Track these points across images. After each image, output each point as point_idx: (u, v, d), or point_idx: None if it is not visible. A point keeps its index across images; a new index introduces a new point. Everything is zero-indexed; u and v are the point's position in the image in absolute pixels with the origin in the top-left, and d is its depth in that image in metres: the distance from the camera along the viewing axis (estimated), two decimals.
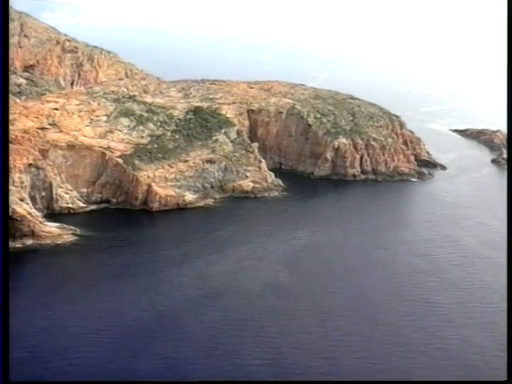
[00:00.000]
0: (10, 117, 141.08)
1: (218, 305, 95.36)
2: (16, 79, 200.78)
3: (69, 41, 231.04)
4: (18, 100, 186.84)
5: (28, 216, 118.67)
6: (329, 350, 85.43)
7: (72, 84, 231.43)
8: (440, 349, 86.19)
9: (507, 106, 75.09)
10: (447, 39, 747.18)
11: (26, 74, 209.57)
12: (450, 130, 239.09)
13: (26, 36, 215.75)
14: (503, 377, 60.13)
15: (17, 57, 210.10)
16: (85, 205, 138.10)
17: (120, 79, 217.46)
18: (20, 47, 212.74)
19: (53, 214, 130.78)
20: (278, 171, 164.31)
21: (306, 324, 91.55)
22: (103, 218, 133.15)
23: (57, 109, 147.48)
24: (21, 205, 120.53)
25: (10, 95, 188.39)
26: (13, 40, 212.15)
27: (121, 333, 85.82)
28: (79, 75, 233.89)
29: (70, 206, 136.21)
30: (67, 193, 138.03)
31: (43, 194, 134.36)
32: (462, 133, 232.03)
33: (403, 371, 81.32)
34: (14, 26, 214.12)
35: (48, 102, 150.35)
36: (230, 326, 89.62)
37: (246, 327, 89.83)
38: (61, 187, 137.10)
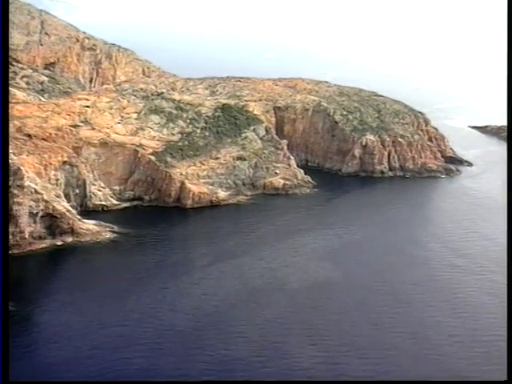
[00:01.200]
0: (43, 114, 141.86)
1: (264, 302, 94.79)
2: (38, 77, 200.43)
3: (88, 38, 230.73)
4: (42, 98, 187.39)
5: (67, 213, 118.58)
6: (382, 348, 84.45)
7: (90, 81, 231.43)
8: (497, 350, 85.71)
9: (507, 104, 74.30)
10: (452, 36, 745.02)
11: (46, 72, 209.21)
12: (469, 126, 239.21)
13: (46, 34, 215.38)
14: (503, 377, 59.62)
15: (38, 54, 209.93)
16: (117, 202, 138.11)
17: (147, 76, 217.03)
18: (41, 45, 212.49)
19: (86, 212, 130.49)
20: (304, 168, 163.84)
21: (355, 321, 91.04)
22: (137, 215, 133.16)
23: (88, 106, 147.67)
24: (59, 202, 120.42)
25: (34, 93, 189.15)
26: (34, 37, 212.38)
27: (174, 330, 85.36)
28: (97, 73, 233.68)
29: (103, 203, 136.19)
30: (100, 190, 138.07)
31: (77, 191, 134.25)
32: (482, 129, 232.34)
33: (457, 370, 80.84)
34: (35, 24, 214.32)
35: (79, 99, 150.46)
36: (278, 324, 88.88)
37: (296, 325, 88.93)
38: (94, 184, 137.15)
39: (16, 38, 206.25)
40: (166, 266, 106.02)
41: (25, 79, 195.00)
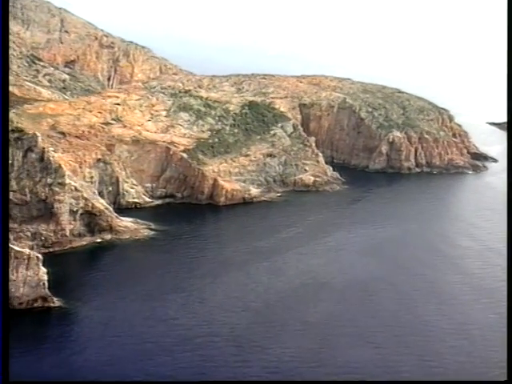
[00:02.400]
0: (75, 112, 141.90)
1: (313, 299, 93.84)
2: (60, 75, 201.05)
3: (106, 36, 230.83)
4: (65, 96, 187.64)
5: (106, 211, 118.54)
6: (435, 348, 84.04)
7: (108, 79, 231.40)
8: None
9: (507, 104, 74.10)
10: (461, 32, 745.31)
11: (67, 70, 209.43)
12: (487, 123, 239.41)
13: (66, 31, 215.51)
14: (503, 377, 59.64)
15: (58, 52, 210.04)
16: (150, 200, 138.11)
17: (175, 74, 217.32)
18: (61, 43, 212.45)
19: (119, 209, 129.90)
20: (330, 165, 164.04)
21: (404, 319, 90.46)
22: (171, 212, 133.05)
23: (118, 104, 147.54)
24: (98, 199, 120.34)
25: (56, 91, 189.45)
26: (54, 35, 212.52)
27: (228, 328, 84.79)
28: (115, 70, 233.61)
29: (136, 200, 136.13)
30: (132, 188, 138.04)
31: (110, 188, 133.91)
32: (501, 126, 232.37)
33: None
34: (55, 22, 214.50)
35: (109, 97, 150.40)
36: (331, 322, 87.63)
37: (348, 323, 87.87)
38: (126, 182, 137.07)
39: (37, 35, 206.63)
40: (208, 263, 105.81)
41: (47, 77, 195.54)
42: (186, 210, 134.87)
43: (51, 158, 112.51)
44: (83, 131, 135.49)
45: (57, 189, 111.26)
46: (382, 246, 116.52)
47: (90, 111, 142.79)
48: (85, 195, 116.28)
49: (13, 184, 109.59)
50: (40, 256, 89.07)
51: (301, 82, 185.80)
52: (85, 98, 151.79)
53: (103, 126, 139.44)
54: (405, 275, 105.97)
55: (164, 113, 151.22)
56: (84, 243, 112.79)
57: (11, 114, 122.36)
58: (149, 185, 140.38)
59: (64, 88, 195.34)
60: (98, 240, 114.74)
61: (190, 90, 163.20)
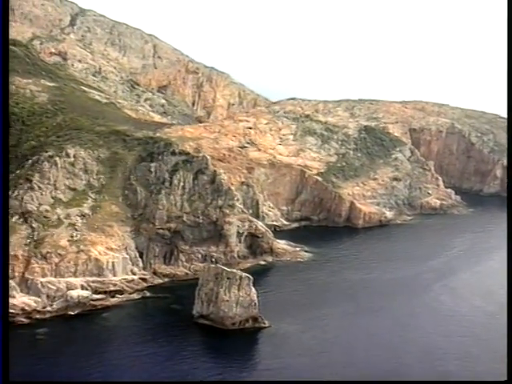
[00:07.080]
0: (211, 135, 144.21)
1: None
2: (158, 99, 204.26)
3: (191, 62, 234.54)
4: (166, 119, 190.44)
5: (267, 233, 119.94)
6: None
7: (193, 104, 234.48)
8: None
9: (507, 105, 74.55)
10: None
11: (161, 95, 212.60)
12: None
13: (159, 57, 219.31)
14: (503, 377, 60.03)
15: (153, 77, 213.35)
16: (287, 222, 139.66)
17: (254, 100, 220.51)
18: (155, 68, 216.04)
19: None
20: None
21: None
22: (314, 235, 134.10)
23: (250, 128, 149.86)
24: (258, 222, 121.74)
25: (156, 114, 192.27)
26: (149, 61, 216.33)
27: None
28: (199, 96, 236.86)
29: (274, 223, 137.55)
30: (270, 210, 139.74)
31: (250, 211, 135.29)
32: None
33: None
34: (148, 48, 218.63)
35: (240, 121, 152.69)
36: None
37: None
38: (264, 205, 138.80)
39: (133, 61, 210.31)
40: (389, 284, 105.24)
41: (148, 102, 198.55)
42: (326, 232, 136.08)
43: (222, 181, 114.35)
44: (224, 154, 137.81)
45: (227, 211, 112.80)
46: None
47: (226, 135, 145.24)
48: (250, 218, 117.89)
49: (185, 206, 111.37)
50: (251, 277, 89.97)
51: (406, 108, 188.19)
52: (218, 122, 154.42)
53: (240, 149, 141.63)
54: None
55: (291, 137, 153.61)
56: (248, 265, 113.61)
57: (168, 137, 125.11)
58: (284, 208, 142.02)
59: (164, 112, 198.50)
60: (261, 262, 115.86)
61: (309, 115, 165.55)
